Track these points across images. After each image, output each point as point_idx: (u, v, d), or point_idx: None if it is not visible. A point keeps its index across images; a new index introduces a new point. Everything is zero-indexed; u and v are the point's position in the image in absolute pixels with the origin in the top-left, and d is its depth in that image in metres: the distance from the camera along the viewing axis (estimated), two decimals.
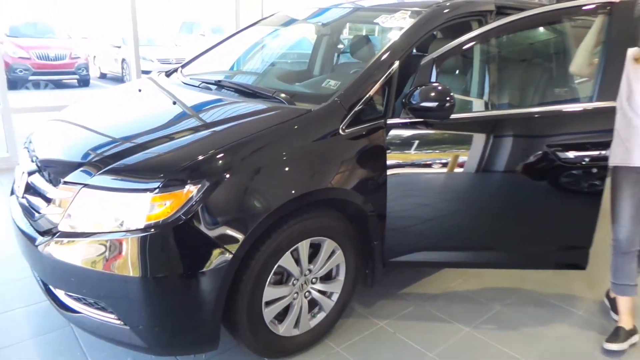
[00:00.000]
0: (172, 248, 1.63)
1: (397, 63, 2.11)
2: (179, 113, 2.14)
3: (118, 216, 1.66)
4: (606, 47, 2.05)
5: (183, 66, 2.89)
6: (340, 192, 1.95)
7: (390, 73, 2.10)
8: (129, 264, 1.62)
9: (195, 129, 1.90)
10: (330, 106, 1.97)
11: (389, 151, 2.07)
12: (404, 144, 2.10)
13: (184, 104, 2.21)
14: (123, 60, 10.48)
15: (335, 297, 2.15)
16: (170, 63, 9.67)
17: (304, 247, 1.92)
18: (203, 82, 2.41)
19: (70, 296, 1.82)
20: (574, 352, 2.20)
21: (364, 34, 3.14)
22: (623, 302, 2.27)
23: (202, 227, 1.64)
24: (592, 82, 2.09)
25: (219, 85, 2.37)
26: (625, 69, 2.08)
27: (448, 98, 1.91)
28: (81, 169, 1.77)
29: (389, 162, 2.07)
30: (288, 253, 1.87)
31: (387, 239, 2.20)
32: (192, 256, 1.65)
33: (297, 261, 1.93)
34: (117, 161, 1.77)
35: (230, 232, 1.67)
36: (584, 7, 2.13)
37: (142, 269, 1.61)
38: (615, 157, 2.18)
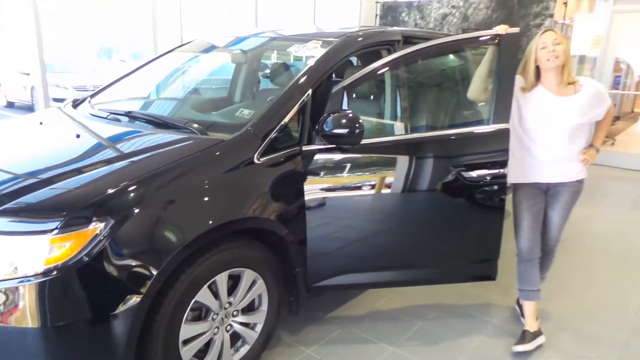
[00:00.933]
0: (74, 293, 1.52)
1: (309, 91, 2.17)
2: (83, 147, 2.03)
3: (13, 261, 1.53)
4: (497, 75, 2.24)
5: (92, 96, 2.76)
6: (257, 221, 1.94)
7: (303, 101, 2.14)
8: (26, 314, 1.49)
9: (100, 164, 1.81)
10: (243, 135, 1.97)
11: (305, 177, 2.10)
12: (320, 170, 2.14)
13: (89, 137, 2.11)
14: (32, 87, 9.83)
15: (259, 328, 2.11)
16: (86, 90, 9.20)
17: (222, 279, 1.87)
18: (111, 113, 2.32)
19: None
20: (489, 359, 2.32)
21: (282, 62, 3.20)
22: (528, 306, 2.44)
23: (108, 267, 1.55)
24: (488, 106, 2.27)
25: (129, 116, 2.29)
26: (515, 94, 2.29)
27: (357, 125, 1.99)
28: None
29: (306, 188, 2.09)
30: (205, 287, 1.81)
31: (309, 265, 2.21)
32: (97, 300, 1.55)
33: (216, 295, 1.88)
34: (13, 200, 1.64)
35: (139, 270, 1.59)
36: (478, 39, 2.33)
37: (41, 318, 1.49)
38: (513, 174, 2.37)
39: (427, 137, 2.27)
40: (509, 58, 2.23)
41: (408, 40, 2.66)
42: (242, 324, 2.04)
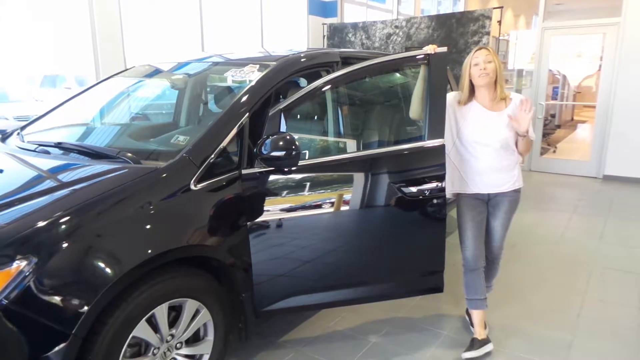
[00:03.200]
0: None
1: (246, 115, 2.16)
2: (6, 183, 1.93)
3: None
4: (428, 92, 2.31)
5: (23, 128, 2.65)
6: (197, 249, 1.90)
7: (241, 124, 2.13)
8: None
9: (23, 199, 1.72)
10: (178, 162, 1.93)
11: (247, 201, 2.08)
12: (262, 193, 2.13)
13: (14, 171, 2.01)
14: None
15: (206, 359, 2.04)
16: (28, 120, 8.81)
17: (161, 312, 1.81)
18: (40, 145, 2.23)
19: None
20: None
21: (227, 86, 3.20)
22: (476, 315, 2.49)
23: (33, 308, 1.47)
24: (422, 123, 2.34)
25: (60, 147, 2.21)
26: (453, 109, 2.38)
27: (294, 147, 2.00)
28: None
29: (248, 212, 2.07)
30: (143, 321, 1.74)
31: (256, 289, 2.18)
32: (22, 345, 1.46)
33: (156, 328, 1.81)
34: None
35: (67, 309, 1.52)
36: (408, 58, 2.41)
37: None
38: (454, 185, 2.44)
39: (366, 155, 2.30)
40: (439, 76, 2.31)
41: (347, 60, 2.72)
42: (187, 356, 1.97)
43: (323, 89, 2.31)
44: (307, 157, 2.23)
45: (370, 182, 2.26)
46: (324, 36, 7.28)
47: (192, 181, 1.92)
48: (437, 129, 2.30)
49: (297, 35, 7.46)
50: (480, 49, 2.35)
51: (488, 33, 5.76)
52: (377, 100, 2.78)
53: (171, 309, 1.89)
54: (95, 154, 2.10)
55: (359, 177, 2.26)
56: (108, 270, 1.61)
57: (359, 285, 2.40)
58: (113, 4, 4.91)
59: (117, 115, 3.06)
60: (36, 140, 2.36)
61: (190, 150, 1.98)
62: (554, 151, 7.84)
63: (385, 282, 2.43)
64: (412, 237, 2.37)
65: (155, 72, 3.20)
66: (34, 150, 2.20)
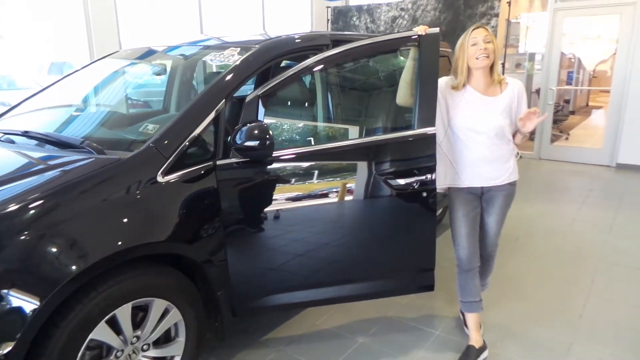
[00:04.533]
0: None
1: (222, 101, 2.02)
2: None
3: None
4: (418, 77, 2.14)
5: (1, 115, 2.54)
6: (163, 246, 1.78)
7: (217, 112, 2.00)
8: None
9: None
10: (143, 153, 1.80)
11: (221, 194, 1.95)
12: (238, 185, 2.00)
13: None
14: None
15: None
16: None
17: (123, 313, 1.70)
18: (6, 133, 2.12)
19: None
20: None
21: (216, 71, 3.05)
22: (471, 318, 2.34)
23: None
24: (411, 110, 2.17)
25: (27, 136, 2.09)
26: (444, 95, 2.20)
27: (267, 136, 1.86)
28: None
29: (223, 205, 1.95)
30: (102, 323, 1.63)
31: (233, 287, 2.06)
32: None
33: (118, 330, 1.71)
34: None
35: (13, 309, 1.41)
36: (397, 40, 2.23)
37: None
38: (446, 179, 2.28)
39: (350, 145, 2.14)
40: (430, 59, 2.14)
41: (338, 43, 2.55)
42: (155, 358, 1.87)
43: (303, 74, 2.16)
44: (285, 147, 2.08)
45: (354, 174, 2.11)
46: (327, 20, 7.06)
47: (159, 173, 1.80)
48: (428, 116, 2.13)
49: (300, 19, 7.25)
50: (477, 27, 2.15)
51: (497, 15, 5.50)
52: (362, 86, 2.60)
53: (138, 308, 1.78)
54: (60, 144, 1.98)
55: (341, 169, 2.11)
56: (57, 271, 1.49)
57: (344, 282, 2.26)
58: None
59: (100, 101, 2.94)
60: (5, 128, 2.25)
61: (158, 139, 1.85)
62: (567, 138, 7.57)
63: (373, 280, 2.29)
64: (400, 232, 2.22)
65: (144, 56, 3.07)
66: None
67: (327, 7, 7.14)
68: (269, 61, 2.27)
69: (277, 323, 2.61)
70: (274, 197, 2.06)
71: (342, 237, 2.16)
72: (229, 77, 2.09)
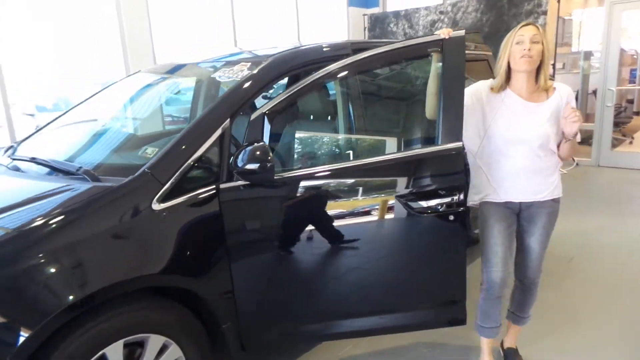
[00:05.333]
0: None
1: (227, 120, 1.90)
2: None
3: None
4: (442, 86, 1.92)
5: (19, 142, 2.54)
6: (158, 279, 1.66)
7: (221, 131, 1.87)
8: None
9: None
10: (137, 179, 1.69)
11: (226, 220, 1.81)
12: (244, 210, 1.86)
13: None
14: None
15: None
16: None
17: (114, 351, 1.58)
18: (15, 159, 2.09)
19: None
20: None
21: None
22: (487, 343, 2.20)
23: None
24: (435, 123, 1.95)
25: (35, 162, 2.05)
26: (477, 102, 1.97)
27: (268, 158, 1.70)
28: None
29: (227, 233, 1.81)
30: None
31: (241, 319, 1.92)
32: None
33: None
34: None
35: None
36: (418, 46, 2.01)
37: None
38: (480, 193, 2.04)
39: (365, 165, 1.93)
40: (454, 66, 1.91)
41: (359, 52, 2.37)
42: None
43: (312, 87, 1.99)
44: (296, 167, 1.92)
45: (371, 196, 1.91)
46: (364, 28, 6.88)
47: (154, 200, 1.68)
48: (453, 130, 1.90)
49: (336, 28, 7.12)
50: (527, 24, 1.90)
51: (545, 12, 5.10)
52: (377, 98, 2.39)
53: (136, 344, 1.67)
54: (60, 170, 1.91)
55: (356, 191, 1.91)
56: (38, 308, 1.40)
57: (363, 315, 2.06)
58: (141, 5, 4.85)
59: (119, 122, 2.92)
60: (20, 155, 2.23)
61: (154, 164, 1.74)
62: (631, 142, 6.91)
63: (396, 312, 2.07)
64: (424, 261, 1.99)
65: (171, 71, 3.01)
66: (7, 166, 2.07)
67: (364, 14, 6.96)
68: (281, 75, 2.13)
69: (296, 354, 2.43)
70: (284, 221, 1.90)
71: (358, 265, 1.96)
72: (234, 94, 1.96)
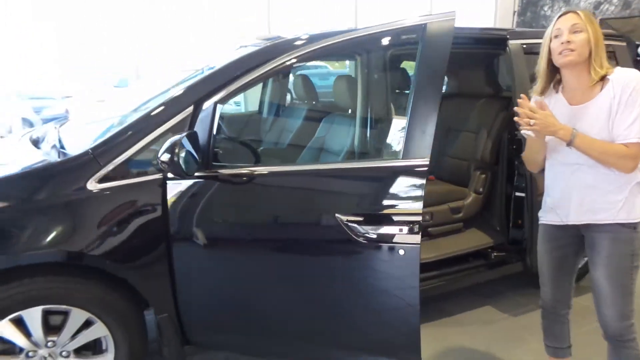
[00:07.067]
0: None
1: (190, 108, 1.82)
2: None
3: None
4: (414, 85, 1.50)
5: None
6: (78, 256, 1.70)
7: (182, 119, 1.81)
8: None
9: None
10: (77, 158, 1.74)
11: (169, 207, 1.76)
12: (189, 204, 1.78)
13: None
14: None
15: None
16: None
17: (31, 315, 1.69)
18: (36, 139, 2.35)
19: None
20: None
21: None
22: None
23: None
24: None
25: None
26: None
27: (176, 151, 1.56)
28: None
29: (171, 226, 1.76)
30: (6, 321, 1.66)
31: (183, 312, 1.87)
32: None
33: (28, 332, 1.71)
34: None
35: None
36: (389, 32, 1.59)
37: None
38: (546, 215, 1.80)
39: (308, 170, 1.65)
40: (435, 61, 1.46)
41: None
42: None
43: (265, 78, 1.76)
44: (240, 165, 1.75)
45: (308, 207, 1.63)
46: (514, 12, 5.94)
47: (90, 180, 1.72)
48: (420, 141, 1.47)
49: (482, 11, 6.31)
50: (566, 13, 1.58)
51: None
52: (334, 97, 1.98)
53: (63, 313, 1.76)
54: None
55: (291, 198, 1.65)
56: None
57: (307, 340, 1.80)
58: None
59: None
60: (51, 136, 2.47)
61: (97, 145, 1.77)
62: None
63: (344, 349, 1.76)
64: (364, 297, 1.62)
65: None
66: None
67: None
68: (255, 66, 1.90)
69: None
70: (222, 222, 1.77)
71: (285, 289, 1.72)
72: (201, 81, 1.87)
